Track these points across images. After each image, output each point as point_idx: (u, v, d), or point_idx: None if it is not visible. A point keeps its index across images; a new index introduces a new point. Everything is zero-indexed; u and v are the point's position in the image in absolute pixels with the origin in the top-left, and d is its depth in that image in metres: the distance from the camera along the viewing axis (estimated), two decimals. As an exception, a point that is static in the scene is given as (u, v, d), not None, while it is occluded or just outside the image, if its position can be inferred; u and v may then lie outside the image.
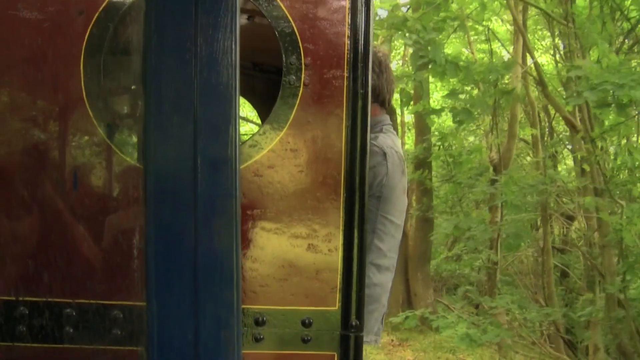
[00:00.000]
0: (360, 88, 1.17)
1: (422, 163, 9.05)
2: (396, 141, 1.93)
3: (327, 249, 1.18)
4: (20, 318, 1.07)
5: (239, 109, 1.13)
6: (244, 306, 1.15)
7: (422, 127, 9.20)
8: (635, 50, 6.32)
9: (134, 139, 1.13)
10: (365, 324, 1.72)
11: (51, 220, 1.10)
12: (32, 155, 1.11)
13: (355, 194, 1.18)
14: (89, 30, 1.10)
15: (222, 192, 1.03)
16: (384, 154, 1.77)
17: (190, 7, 1.04)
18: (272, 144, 1.15)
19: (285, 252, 1.17)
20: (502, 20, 9.36)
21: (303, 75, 1.16)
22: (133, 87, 1.12)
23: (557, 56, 7.54)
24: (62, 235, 1.11)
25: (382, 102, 1.93)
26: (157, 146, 1.04)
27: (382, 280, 1.81)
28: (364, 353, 1.28)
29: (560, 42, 6.86)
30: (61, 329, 1.09)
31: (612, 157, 6.64)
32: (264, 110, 2.28)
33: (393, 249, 1.85)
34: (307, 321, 1.17)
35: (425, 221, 9.03)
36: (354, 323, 1.19)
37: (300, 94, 1.16)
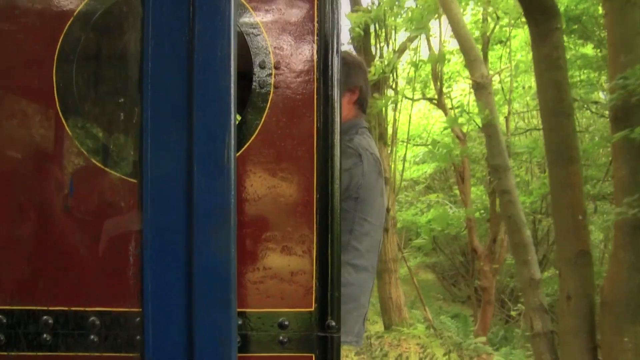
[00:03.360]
0: (330, 90, 1.50)
1: (627, 113, 5.79)
2: (372, 143, 2.46)
3: (301, 250, 1.50)
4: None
5: (235, 117, 1.36)
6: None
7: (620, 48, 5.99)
8: None
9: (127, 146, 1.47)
10: (344, 324, 2.11)
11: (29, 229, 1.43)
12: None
13: (328, 195, 1.51)
14: (61, 37, 1.45)
15: (218, 200, 1.33)
16: (359, 155, 2.31)
17: (187, 15, 1.33)
18: (243, 148, 1.48)
19: (260, 254, 1.50)
20: None
21: (273, 79, 1.51)
22: (121, 100, 1.44)
23: None
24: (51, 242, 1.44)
25: (364, 106, 2.54)
26: (153, 153, 1.33)
27: (359, 279, 2.33)
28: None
29: None
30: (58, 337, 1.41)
31: None
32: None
33: (372, 249, 2.38)
34: (283, 323, 1.49)
35: (636, 230, 5.74)
36: (331, 324, 1.50)
37: (270, 98, 1.51)
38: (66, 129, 1.45)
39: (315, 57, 1.53)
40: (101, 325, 1.43)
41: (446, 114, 13.35)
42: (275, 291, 1.52)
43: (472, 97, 15.63)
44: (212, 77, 1.34)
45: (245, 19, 1.52)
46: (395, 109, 12.35)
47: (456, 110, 13.99)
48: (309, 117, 1.52)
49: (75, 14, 1.48)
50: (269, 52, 1.52)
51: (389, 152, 11.67)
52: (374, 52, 11.81)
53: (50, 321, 1.43)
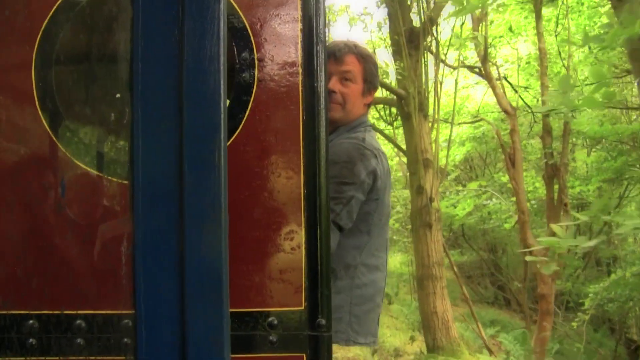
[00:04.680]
0: (315, 81, 1.60)
1: None
2: (376, 140, 2.67)
3: (290, 247, 1.61)
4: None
5: (225, 116, 1.44)
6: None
7: None
8: None
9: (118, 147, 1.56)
10: (362, 325, 2.48)
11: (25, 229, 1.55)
12: None
13: (316, 189, 1.60)
14: (40, 32, 1.56)
15: (209, 199, 1.43)
16: (376, 156, 2.55)
17: (177, 14, 1.43)
18: (228, 143, 1.54)
19: (248, 252, 1.61)
20: None
21: (256, 72, 1.60)
22: (118, 95, 1.56)
23: None
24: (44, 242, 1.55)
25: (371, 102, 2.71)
26: (143, 153, 1.43)
27: (372, 279, 2.57)
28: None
29: None
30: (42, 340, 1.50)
31: None
32: None
33: (380, 247, 2.63)
34: (272, 323, 1.59)
35: None
36: (321, 322, 1.60)
37: (254, 91, 1.60)
38: (47, 129, 1.57)
39: (299, 48, 1.63)
40: (88, 329, 1.55)
41: (492, 85, 12.99)
42: (263, 290, 1.62)
43: (524, 62, 15.24)
44: (202, 77, 1.45)
45: (228, 10, 1.57)
46: (435, 77, 11.00)
47: (503, 81, 13.64)
48: (294, 110, 1.62)
49: (58, 12, 1.59)
50: (252, 44, 1.62)
51: (431, 127, 10.50)
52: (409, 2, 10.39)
53: (36, 325, 1.54)
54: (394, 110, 11.98)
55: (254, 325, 1.65)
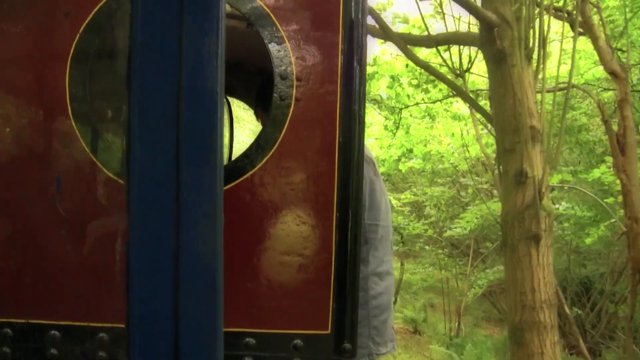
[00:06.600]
0: (353, 103, 1.71)
1: None
2: None
3: (319, 270, 1.73)
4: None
5: (223, 113, 1.51)
6: (233, 329, 1.68)
7: None
8: None
9: (116, 144, 1.66)
10: (382, 335, 2.70)
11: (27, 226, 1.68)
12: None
13: (348, 214, 1.71)
14: (79, 33, 1.68)
15: (205, 197, 1.58)
16: None
17: (176, 11, 1.56)
18: (263, 161, 1.70)
19: (276, 273, 1.73)
20: None
21: (295, 91, 1.72)
22: (111, 98, 1.69)
23: None
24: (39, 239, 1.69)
25: None
26: (140, 151, 1.58)
27: (385, 286, 2.75)
28: None
29: None
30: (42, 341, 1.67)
31: None
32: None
33: (387, 252, 2.80)
34: (298, 345, 1.72)
35: None
36: (346, 347, 1.72)
37: (291, 110, 1.72)
38: (83, 145, 1.74)
39: (339, 68, 1.74)
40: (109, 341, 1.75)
41: (593, 36, 10.78)
42: (290, 312, 1.75)
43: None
44: (201, 74, 1.63)
45: (268, 28, 1.72)
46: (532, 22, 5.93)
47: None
48: (330, 132, 1.75)
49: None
50: (291, 63, 1.74)
51: (535, 77, 6.09)
52: None
53: (58, 335, 1.72)
54: (467, 54, 8.66)
55: (278, 346, 1.79)
